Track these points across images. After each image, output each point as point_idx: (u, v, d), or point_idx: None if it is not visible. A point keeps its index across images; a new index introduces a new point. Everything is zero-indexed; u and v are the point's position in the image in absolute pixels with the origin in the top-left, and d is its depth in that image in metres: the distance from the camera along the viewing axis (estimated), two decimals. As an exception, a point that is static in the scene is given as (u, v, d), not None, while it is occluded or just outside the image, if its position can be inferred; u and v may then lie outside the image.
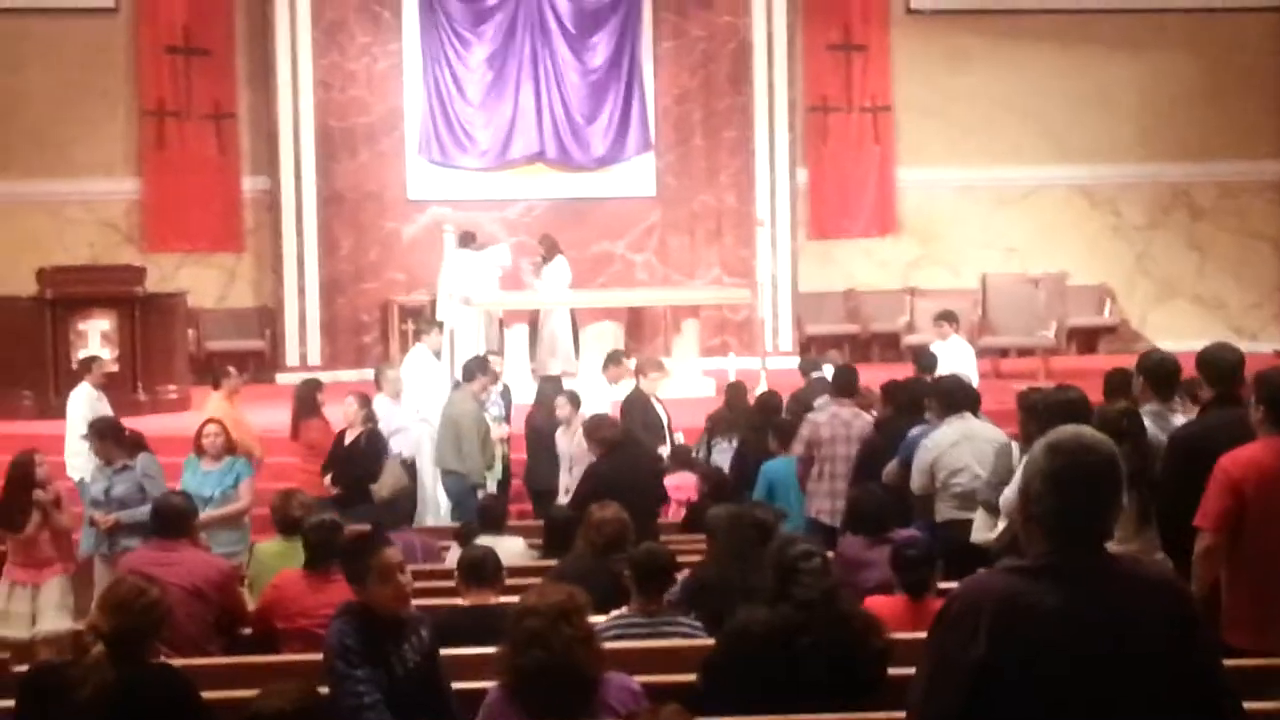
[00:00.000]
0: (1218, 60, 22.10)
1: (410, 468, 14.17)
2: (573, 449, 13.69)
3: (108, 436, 11.66)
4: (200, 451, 12.18)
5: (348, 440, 13.31)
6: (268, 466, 13.88)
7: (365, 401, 13.52)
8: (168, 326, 17.78)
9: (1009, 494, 9.18)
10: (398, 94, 21.11)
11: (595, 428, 12.23)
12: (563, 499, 13.53)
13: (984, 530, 9.71)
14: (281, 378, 19.63)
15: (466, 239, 19.29)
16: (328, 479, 13.06)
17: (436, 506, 14.35)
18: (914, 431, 10.76)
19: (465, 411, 13.98)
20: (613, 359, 15.06)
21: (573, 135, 21.42)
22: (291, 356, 20.44)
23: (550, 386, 14.71)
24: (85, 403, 13.92)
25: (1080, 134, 21.93)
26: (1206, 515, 6.55)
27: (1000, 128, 21.84)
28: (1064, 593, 3.65)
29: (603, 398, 14.64)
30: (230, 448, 12.29)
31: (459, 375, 15.71)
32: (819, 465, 11.42)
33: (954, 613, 3.75)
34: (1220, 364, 7.71)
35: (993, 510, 9.57)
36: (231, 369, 14.89)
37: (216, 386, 14.36)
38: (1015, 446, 9.54)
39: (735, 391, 14.77)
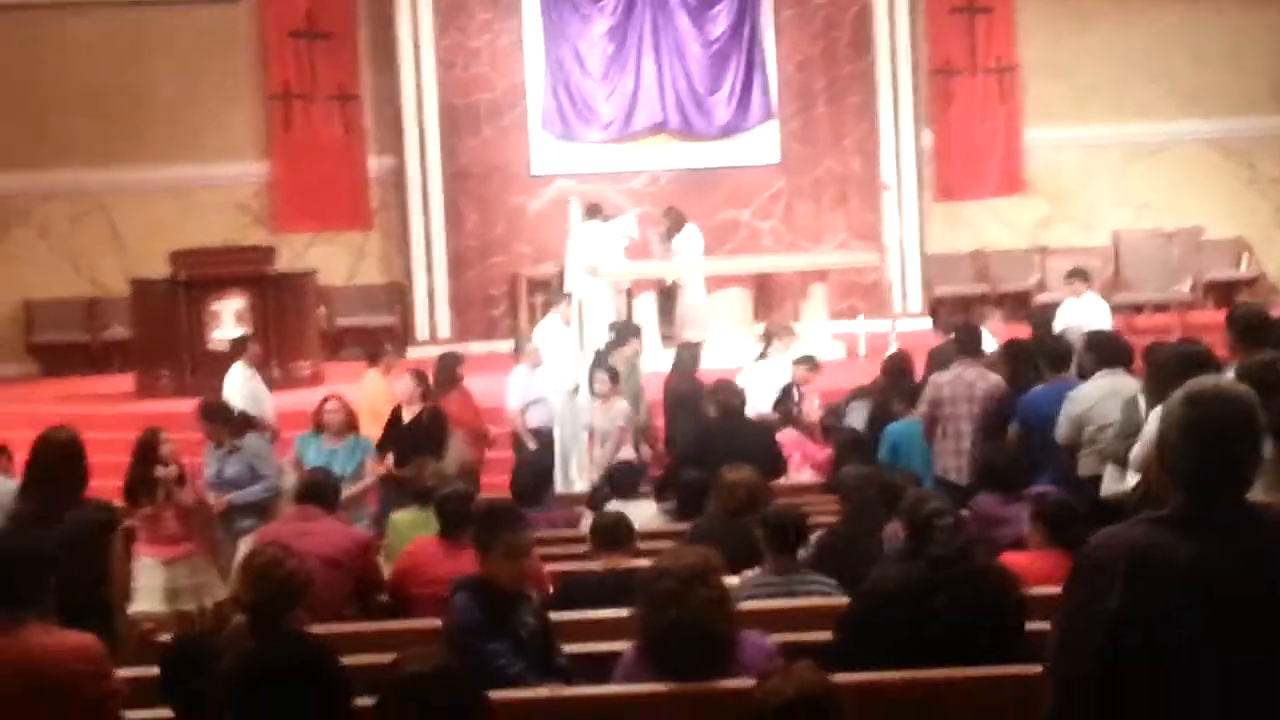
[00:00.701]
0: (1353, 7, 21.66)
1: (548, 438, 14.23)
2: (607, 424, 13.78)
3: (216, 418, 11.68)
4: (320, 428, 12.07)
5: (406, 418, 12.88)
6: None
7: (422, 379, 13.17)
8: (299, 305, 17.99)
9: (1140, 449, 9.07)
10: (519, 70, 21.17)
11: (718, 390, 12.31)
12: (591, 474, 13.55)
13: (1114, 484, 9.59)
14: (412, 352, 19.78)
15: (592, 211, 19.34)
16: (388, 459, 12.50)
17: (569, 476, 14.36)
18: (1034, 391, 10.66)
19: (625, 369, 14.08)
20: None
21: (695, 105, 21.39)
22: (421, 331, 20.59)
23: (687, 353, 14.67)
24: (241, 382, 14.03)
25: (1211, 88, 21.54)
26: None
27: (1128, 84, 21.51)
28: (1200, 542, 3.59)
29: (741, 367, 14.67)
30: (352, 424, 12.18)
31: (589, 346, 15.77)
32: (942, 425, 11.29)
33: (1089, 565, 3.69)
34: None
35: (1121, 463, 9.46)
36: (388, 345, 14.92)
37: (373, 363, 14.35)
38: (1141, 399, 9.42)
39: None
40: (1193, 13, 21.54)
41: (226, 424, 11.62)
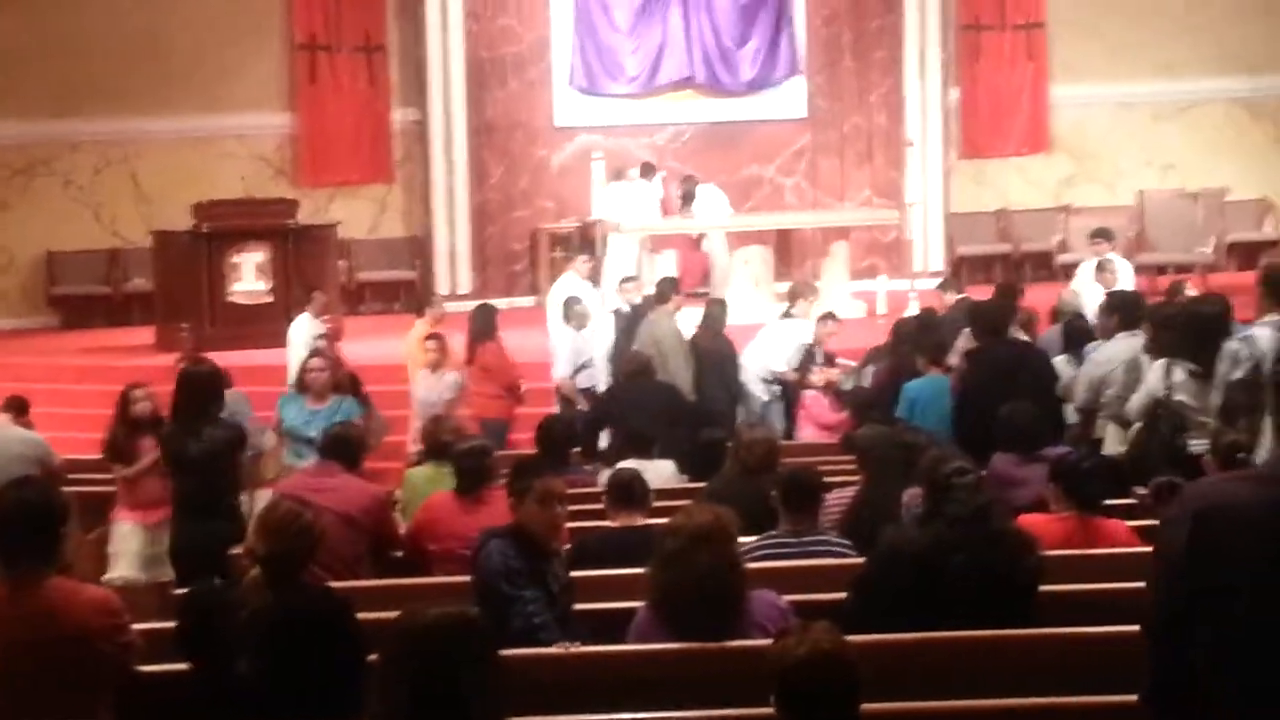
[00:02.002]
0: (1383, -37, 21.46)
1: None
2: (434, 395, 13.37)
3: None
4: (304, 388, 11.64)
5: None
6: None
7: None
8: (320, 258, 17.96)
9: (1139, 399, 9.10)
10: (546, 23, 21.13)
11: (625, 360, 12.82)
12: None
13: (1116, 444, 9.60)
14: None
15: (646, 170, 19.53)
16: None
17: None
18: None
19: (668, 331, 14.01)
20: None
21: (722, 60, 21.33)
22: (442, 285, 20.52)
23: (718, 309, 14.62)
24: (307, 332, 14.07)
25: (1241, 45, 21.38)
26: None
27: (1158, 41, 21.36)
28: (1268, 491, 3.59)
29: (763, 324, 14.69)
30: (337, 385, 11.76)
31: (609, 303, 15.75)
32: None
33: (1170, 514, 3.77)
34: None
35: (1123, 424, 9.46)
36: (435, 296, 14.98)
37: (420, 314, 14.47)
38: (1145, 359, 9.42)
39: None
40: (1225, -32, 21.40)
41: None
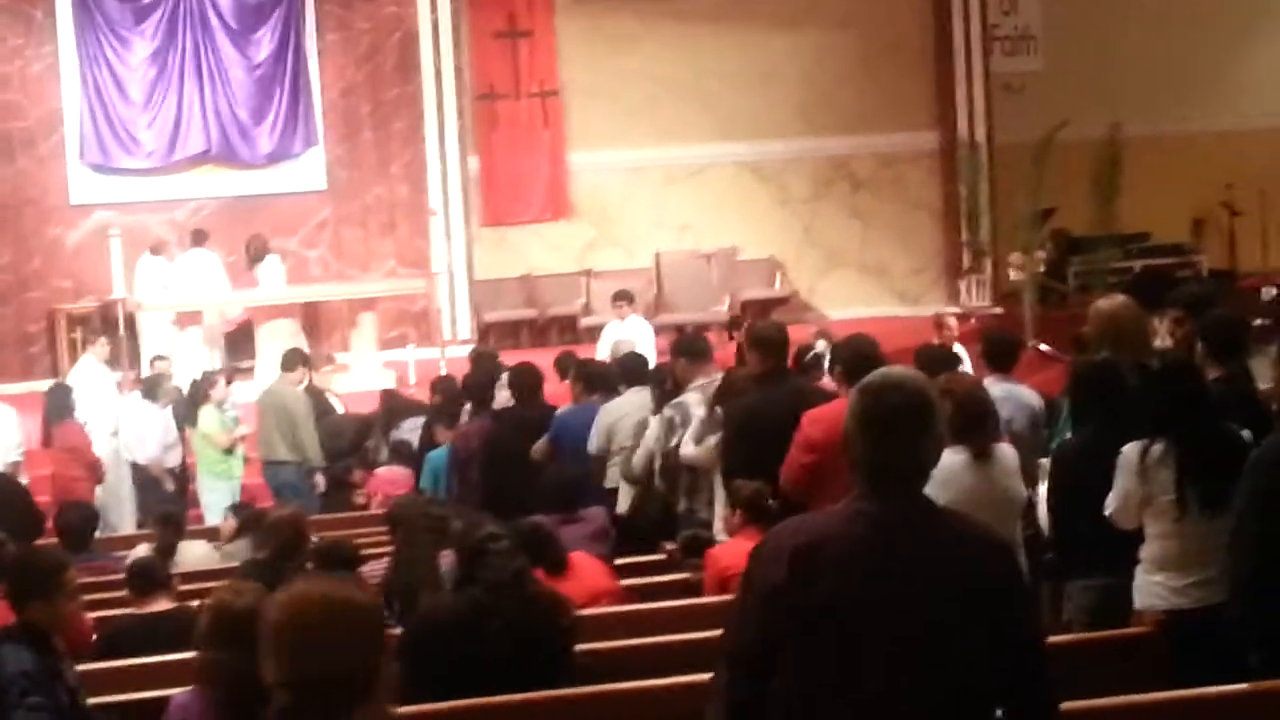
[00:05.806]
0: (871, 36, 22.64)
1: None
2: None
3: None
4: None
5: None
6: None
7: None
8: None
9: (637, 459, 9.48)
10: (55, 96, 20.49)
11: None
12: None
13: (628, 500, 9.94)
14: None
15: (199, 237, 19.26)
16: None
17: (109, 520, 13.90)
18: (561, 411, 11.00)
19: (295, 398, 14.07)
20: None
21: (239, 133, 21.07)
22: (-45, 371, 19.70)
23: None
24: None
25: (744, 111, 22.29)
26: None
27: (667, 108, 22.08)
28: (863, 528, 3.78)
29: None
30: None
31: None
32: None
33: (764, 549, 3.90)
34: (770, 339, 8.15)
35: (633, 481, 9.79)
36: None
37: None
38: (654, 420, 9.77)
39: (389, 396, 15.11)
40: (725, 38, 22.26)
41: None
